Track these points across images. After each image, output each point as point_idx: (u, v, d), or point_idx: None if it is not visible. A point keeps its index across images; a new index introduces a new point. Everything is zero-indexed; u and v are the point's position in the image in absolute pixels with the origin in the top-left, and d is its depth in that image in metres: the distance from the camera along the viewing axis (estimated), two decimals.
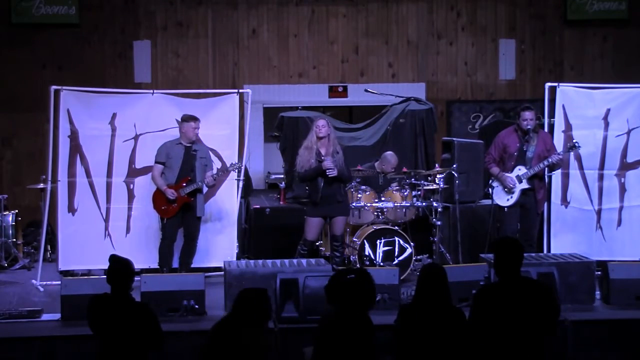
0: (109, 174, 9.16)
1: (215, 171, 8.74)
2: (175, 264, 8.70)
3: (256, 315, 5.03)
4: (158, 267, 8.61)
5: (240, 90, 9.57)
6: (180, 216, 8.58)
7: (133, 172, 9.20)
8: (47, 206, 9.15)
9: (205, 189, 8.74)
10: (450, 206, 9.48)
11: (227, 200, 9.32)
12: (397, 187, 9.25)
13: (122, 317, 5.34)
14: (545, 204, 8.98)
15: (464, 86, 13.16)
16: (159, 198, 8.56)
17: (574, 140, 8.76)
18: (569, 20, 13.07)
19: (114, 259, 5.57)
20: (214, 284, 8.11)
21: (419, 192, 9.37)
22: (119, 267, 5.52)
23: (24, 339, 6.82)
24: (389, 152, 9.57)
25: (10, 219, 10.07)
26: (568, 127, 9.13)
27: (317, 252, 9.07)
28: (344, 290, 5.07)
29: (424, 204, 9.28)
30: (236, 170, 9.02)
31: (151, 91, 9.57)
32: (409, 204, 9.14)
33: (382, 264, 8.71)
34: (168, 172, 8.56)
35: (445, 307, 5.23)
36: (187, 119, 8.56)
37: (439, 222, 9.21)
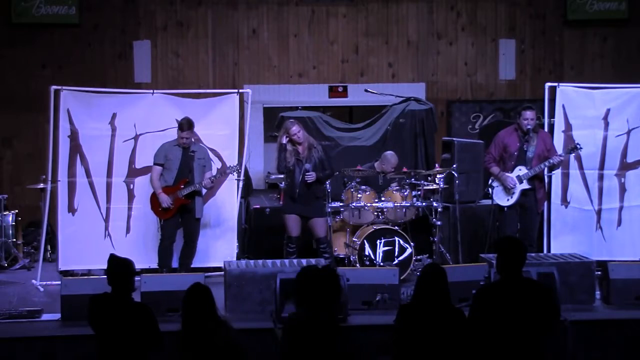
0: (109, 174, 9.17)
1: (214, 172, 8.74)
2: (175, 264, 8.70)
3: (205, 309, 4.97)
4: (157, 267, 8.61)
5: (240, 90, 9.58)
6: (178, 217, 8.58)
7: (133, 172, 9.20)
8: (47, 206, 9.15)
9: (204, 191, 8.73)
10: (450, 206, 9.47)
11: (227, 200, 9.32)
12: (397, 187, 9.25)
13: (122, 317, 5.33)
14: (545, 204, 8.99)
15: (464, 86, 13.15)
16: (156, 199, 8.56)
17: (576, 142, 8.76)
18: (569, 20, 13.06)
19: (113, 259, 5.55)
20: (214, 284, 8.08)
21: (419, 192, 9.36)
22: (118, 267, 5.51)
23: (24, 339, 6.83)
24: (389, 152, 9.57)
25: (10, 219, 10.07)
26: (568, 127, 9.14)
27: (317, 251, 9.07)
28: (310, 289, 4.94)
29: (424, 204, 9.28)
30: (234, 173, 9.00)
31: (151, 91, 9.57)
32: (409, 204, 9.14)
33: (382, 264, 8.71)
34: (166, 173, 8.55)
35: (445, 307, 5.23)
36: (180, 126, 8.50)
37: (439, 222, 9.21)
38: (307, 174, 8.53)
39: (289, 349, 4.93)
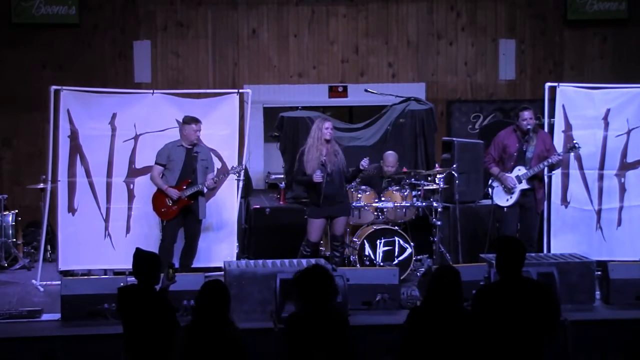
0: (109, 174, 9.16)
1: (216, 173, 8.73)
2: (175, 264, 8.69)
3: (218, 307, 5.03)
4: None
5: (240, 90, 9.57)
6: (180, 218, 8.57)
7: (133, 172, 9.20)
8: (47, 206, 9.15)
9: (205, 192, 8.73)
10: (450, 206, 9.47)
11: (227, 200, 9.32)
12: (397, 187, 9.25)
13: (147, 308, 5.49)
14: (545, 204, 8.99)
15: (464, 86, 13.16)
16: (158, 200, 8.55)
17: (574, 141, 8.77)
18: (569, 20, 13.08)
19: (138, 254, 5.70)
20: None
21: (419, 192, 9.37)
22: (143, 261, 5.66)
23: (24, 339, 6.83)
24: (388, 152, 9.53)
25: (10, 219, 10.07)
26: (568, 127, 9.14)
27: (317, 252, 9.07)
28: (305, 285, 5.10)
29: (424, 204, 9.28)
30: (236, 174, 8.98)
31: (151, 91, 9.56)
32: (409, 204, 9.14)
33: (382, 264, 8.71)
34: (169, 174, 8.53)
35: (456, 310, 5.17)
36: (189, 120, 8.53)
37: (439, 222, 9.21)
38: (317, 182, 8.33)
39: (291, 347, 4.99)
